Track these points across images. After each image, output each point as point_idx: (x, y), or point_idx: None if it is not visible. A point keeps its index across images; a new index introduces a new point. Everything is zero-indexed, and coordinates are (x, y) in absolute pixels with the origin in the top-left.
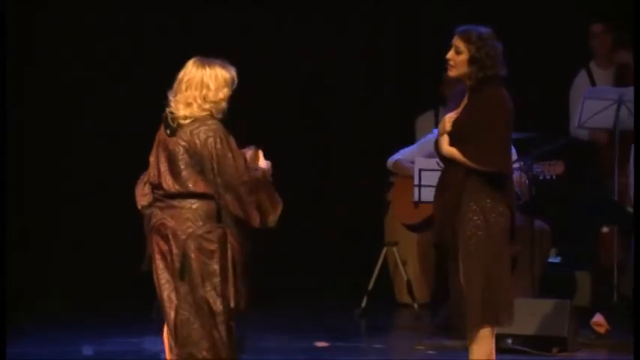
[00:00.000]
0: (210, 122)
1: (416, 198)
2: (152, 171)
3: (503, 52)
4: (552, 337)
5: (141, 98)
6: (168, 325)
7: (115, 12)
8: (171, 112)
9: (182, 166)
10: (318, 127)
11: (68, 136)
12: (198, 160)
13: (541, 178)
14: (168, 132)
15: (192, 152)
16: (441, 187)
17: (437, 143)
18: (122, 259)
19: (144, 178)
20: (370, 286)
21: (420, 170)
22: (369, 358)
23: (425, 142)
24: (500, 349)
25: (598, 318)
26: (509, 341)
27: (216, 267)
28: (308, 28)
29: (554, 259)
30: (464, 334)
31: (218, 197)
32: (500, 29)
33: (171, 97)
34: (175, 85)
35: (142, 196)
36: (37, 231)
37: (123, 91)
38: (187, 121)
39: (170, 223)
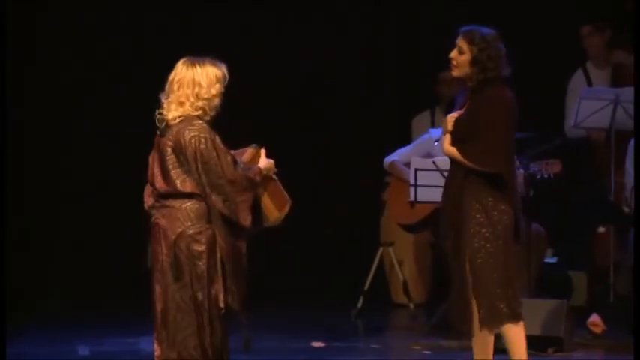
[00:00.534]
0: (195, 122)
1: (412, 198)
2: (149, 171)
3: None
4: (548, 337)
5: (141, 98)
6: (156, 324)
7: (115, 12)
8: (160, 113)
9: (170, 167)
10: (318, 127)
11: (68, 136)
12: (185, 160)
13: (538, 177)
14: (158, 132)
15: (178, 152)
16: (445, 187)
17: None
18: (122, 259)
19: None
20: (366, 287)
21: (416, 170)
22: (366, 358)
23: (421, 142)
24: (495, 349)
25: (594, 318)
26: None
27: (204, 267)
28: (308, 28)
29: (550, 259)
30: (462, 334)
31: (205, 197)
32: (500, 29)
33: (163, 99)
34: (167, 86)
35: (148, 196)
36: (37, 231)
37: (123, 91)
38: (176, 121)
39: (162, 222)
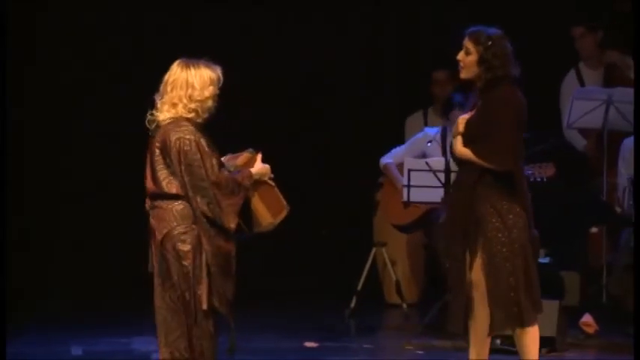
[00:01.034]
0: (183, 124)
1: (405, 198)
2: (145, 172)
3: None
4: (541, 338)
5: (141, 98)
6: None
7: (115, 12)
8: (152, 114)
9: (158, 168)
10: (318, 127)
11: (68, 136)
12: (171, 161)
13: (532, 180)
14: (150, 133)
15: (165, 153)
16: (454, 188)
17: (451, 145)
18: (122, 259)
19: None
20: (359, 287)
21: (409, 171)
22: (359, 358)
23: (414, 142)
24: (491, 350)
25: (587, 318)
26: (498, 341)
27: (190, 267)
28: (308, 28)
29: (543, 260)
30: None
31: (189, 199)
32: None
33: (157, 100)
34: (161, 87)
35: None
36: (37, 231)
37: (123, 91)
38: (165, 122)
39: (152, 223)
